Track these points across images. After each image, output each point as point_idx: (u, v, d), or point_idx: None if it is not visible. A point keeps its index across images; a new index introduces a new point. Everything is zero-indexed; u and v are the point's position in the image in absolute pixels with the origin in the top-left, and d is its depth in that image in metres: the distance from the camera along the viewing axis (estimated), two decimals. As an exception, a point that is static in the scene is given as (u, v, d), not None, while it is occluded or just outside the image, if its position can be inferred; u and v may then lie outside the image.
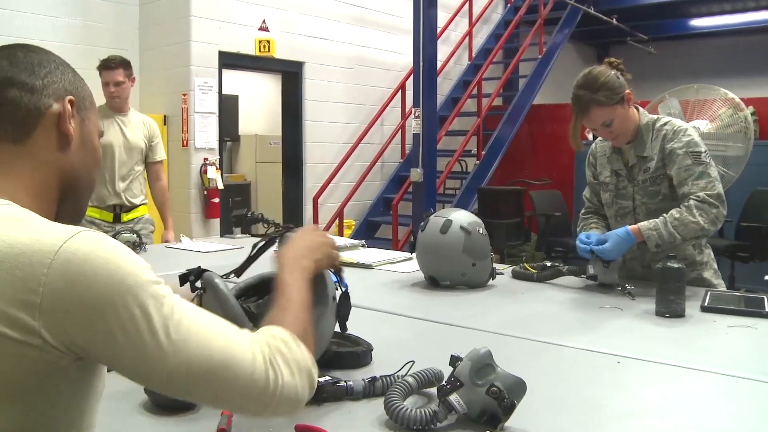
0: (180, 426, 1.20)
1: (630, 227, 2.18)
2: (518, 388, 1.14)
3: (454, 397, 1.13)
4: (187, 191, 5.95)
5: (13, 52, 0.96)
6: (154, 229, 3.91)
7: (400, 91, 7.48)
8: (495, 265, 2.40)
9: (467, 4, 8.34)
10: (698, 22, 10.15)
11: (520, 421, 1.14)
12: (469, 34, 8.42)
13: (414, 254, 2.55)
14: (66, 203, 0.98)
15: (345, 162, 7.02)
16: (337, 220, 6.89)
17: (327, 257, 1.22)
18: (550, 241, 6.09)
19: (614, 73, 2.22)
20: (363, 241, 3.35)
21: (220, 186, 6.02)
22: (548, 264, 2.49)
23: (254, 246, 1.50)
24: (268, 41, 6.36)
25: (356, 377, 1.32)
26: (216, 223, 6.08)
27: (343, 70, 7.15)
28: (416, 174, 5.95)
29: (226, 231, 5.51)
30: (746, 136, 5.50)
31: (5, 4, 5.10)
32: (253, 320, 1.23)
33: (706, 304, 1.99)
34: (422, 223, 2.38)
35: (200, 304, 1.20)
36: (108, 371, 0.91)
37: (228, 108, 7.62)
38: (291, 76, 6.85)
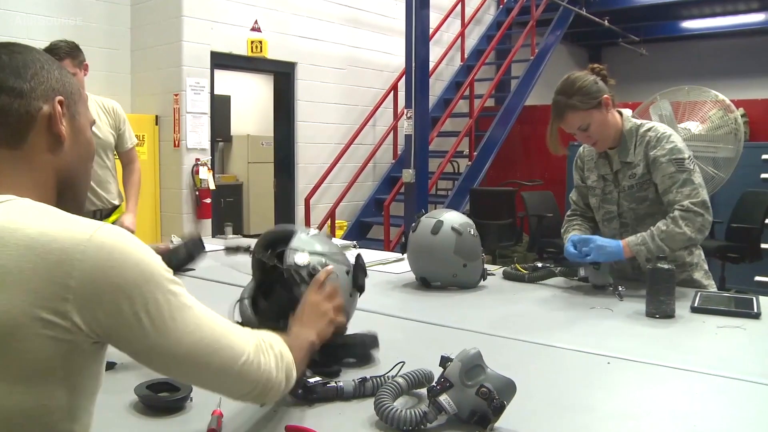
0: (171, 427, 1.20)
1: (621, 242, 2.19)
2: (508, 388, 1.15)
3: (444, 398, 1.13)
4: (179, 192, 5.93)
5: None
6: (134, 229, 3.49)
7: (393, 91, 7.48)
8: (486, 265, 2.40)
9: (460, 5, 8.35)
10: (689, 24, 10.20)
11: (509, 421, 1.15)
12: (462, 35, 8.43)
13: (405, 255, 2.56)
14: (64, 199, 0.99)
15: (337, 162, 7.02)
16: (329, 221, 6.89)
17: (331, 326, 1.32)
18: (541, 242, 6.10)
19: (593, 78, 2.24)
20: (354, 242, 3.35)
21: (212, 186, 6.01)
22: (539, 265, 2.50)
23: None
24: (261, 42, 6.35)
25: (349, 377, 1.33)
26: (208, 223, 6.07)
27: (335, 70, 7.15)
28: (408, 175, 5.96)
29: (217, 232, 5.50)
30: (736, 137, 5.52)
31: (-3, 4, 5.09)
32: None
33: (695, 304, 2.00)
34: (413, 224, 2.38)
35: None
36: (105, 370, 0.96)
37: (220, 108, 7.61)
38: (283, 76, 6.84)
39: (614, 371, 1.51)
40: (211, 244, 3.54)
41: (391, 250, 5.70)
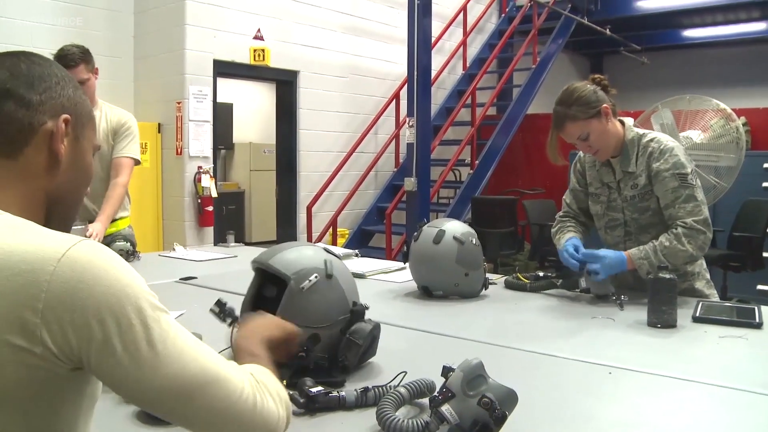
0: (172, 436, 1.20)
1: (624, 253, 2.20)
2: (509, 399, 1.14)
3: (445, 408, 1.13)
4: (181, 199, 5.95)
5: (17, 62, 0.94)
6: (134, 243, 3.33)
7: (395, 100, 7.50)
8: (488, 275, 2.40)
9: (462, 13, 8.38)
10: (691, 33, 10.21)
11: (511, 431, 1.15)
12: (464, 43, 8.45)
13: (407, 264, 2.56)
14: (52, 218, 0.97)
15: (339, 170, 7.03)
16: (330, 229, 6.89)
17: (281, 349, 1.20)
18: (543, 251, 6.09)
19: (592, 88, 2.25)
20: (356, 251, 3.35)
21: (214, 194, 6.02)
22: (540, 274, 2.50)
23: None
24: (263, 50, 6.37)
25: (350, 388, 1.33)
26: (210, 231, 6.08)
27: (337, 79, 7.16)
28: (410, 183, 5.96)
29: (219, 239, 5.50)
30: (738, 146, 5.53)
31: (0, 11, 5.11)
32: None
33: (697, 314, 2.00)
34: (415, 233, 2.38)
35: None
36: None
37: (222, 116, 7.64)
38: (285, 84, 6.86)
39: (616, 381, 1.51)
40: (213, 252, 3.57)
41: (393, 259, 5.71)
